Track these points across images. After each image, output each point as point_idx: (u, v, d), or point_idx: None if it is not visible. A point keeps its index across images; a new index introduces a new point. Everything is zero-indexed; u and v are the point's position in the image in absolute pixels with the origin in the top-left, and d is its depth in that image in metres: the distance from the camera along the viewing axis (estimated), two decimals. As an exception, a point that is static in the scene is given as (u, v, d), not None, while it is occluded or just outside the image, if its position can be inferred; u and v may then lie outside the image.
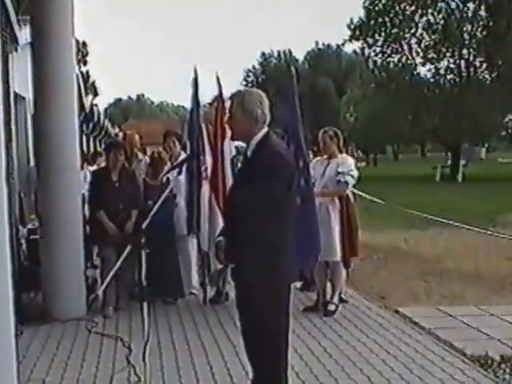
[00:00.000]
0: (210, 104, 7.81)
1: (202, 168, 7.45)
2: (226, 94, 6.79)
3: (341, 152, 7.46)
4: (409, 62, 44.51)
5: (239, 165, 7.30)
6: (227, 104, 4.29)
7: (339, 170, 7.21)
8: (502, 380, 5.24)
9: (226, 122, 4.42)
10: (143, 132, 16.56)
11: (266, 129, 4.14)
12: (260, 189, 3.96)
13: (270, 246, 3.99)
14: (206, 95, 7.70)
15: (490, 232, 13.63)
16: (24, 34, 10.48)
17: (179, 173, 7.21)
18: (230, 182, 7.16)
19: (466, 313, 7.24)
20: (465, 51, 43.36)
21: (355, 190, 8.18)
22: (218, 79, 7.49)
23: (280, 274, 4.06)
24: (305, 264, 6.46)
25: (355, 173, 7.32)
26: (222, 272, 7.53)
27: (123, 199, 7.44)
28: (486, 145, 71.08)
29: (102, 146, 24.13)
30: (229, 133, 7.24)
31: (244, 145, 4.33)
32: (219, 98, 7.43)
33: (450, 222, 13.67)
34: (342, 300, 7.55)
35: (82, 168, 9.84)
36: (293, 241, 4.18)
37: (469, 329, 6.70)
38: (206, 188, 7.51)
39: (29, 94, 8.91)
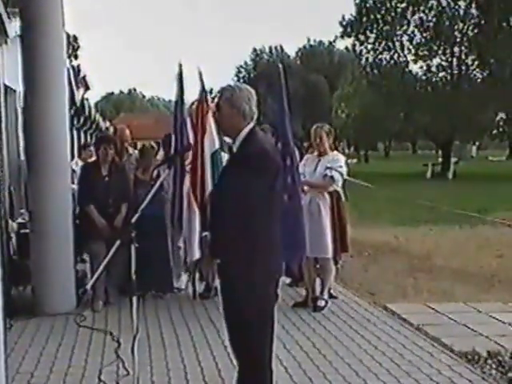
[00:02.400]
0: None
1: (186, 162, 7.45)
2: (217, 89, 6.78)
3: (332, 150, 7.49)
4: (400, 59, 44.60)
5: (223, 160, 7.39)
6: (215, 99, 4.27)
7: (328, 165, 7.24)
8: (488, 375, 5.28)
9: (214, 116, 4.42)
10: (134, 126, 16.53)
11: (251, 124, 4.13)
12: (245, 184, 3.96)
13: (255, 242, 3.99)
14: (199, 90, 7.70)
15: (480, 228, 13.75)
16: (14, 27, 10.42)
17: (169, 167, 7.21)
18: (208, 177, 7.18)
19: (455, 309, 7.28)
20: (456, 49, 43.48)
21: (349, 178, 8.20)
22: (200, 75, 7.51)
23: (265, 269, 4.07)
24: (290, 259, 6.50)
25: (344, 170, 7.34)
26: (200, 264, 7.52)
27: (113, 193, 7.44)
28: (477, 143, 71.33)
29: (93, 139, 24.06)
30: (208, 128, 7.35)
31: (229, 140, 4.33)
32: (201, 93, 7.45)
33: (444, 216, 13.77)
34: (331, 296, 7.58)
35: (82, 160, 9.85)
36: (279, 236, 4.19)
37: (457, 325, 6.74)
38: (187, 182, 7.54)
39: (19, 87, 8.86)
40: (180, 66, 7.53)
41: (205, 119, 7.27)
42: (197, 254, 7.15)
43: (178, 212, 7.46)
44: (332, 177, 7.22)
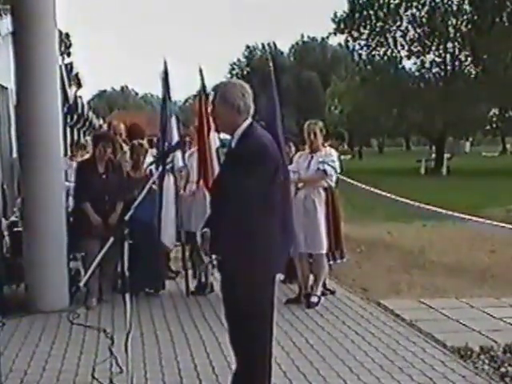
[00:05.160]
0: (195, 96, 7.84)
1: (168, 159, 7.46)
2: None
3: (324, 146, 7.52)
4: (394, 55, 44.67)
5: (222, 157, 7.39)
6: (210, 96, 4.26)
7: (320, 159, 7.26)
8: (480, 370, 5.29)
9: (210, 114, 4.40)
10: (128, 123, 16.46)
11: (249, 120, 4.11)
12: (245, 180, 3.94)
13: (255, 237, 3.98)
14: (194, 88, 7.77)
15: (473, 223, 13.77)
16: (5, 24, 10.38)
17: (157, 166, 7.22)
18: (216, 173, 7.20)
19: (448, 305, 7.30)
20: (450, 45, 43.57)
21: (341, 177, 8.24)
22: (201, 72, 7.52)
23: (266, 264, 4.06)
24: None
25: (336, 164, 7.36)
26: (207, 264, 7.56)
27: (109, 191, 7.41)
28: (471, 138, 71.49)
29: (86, 137, 23.97)
30: (213, 125, 7.36)
31: (228, 137, 4.32)
32: (202, 90, 7.46)
33: (437, 212, 13.77)
34: (329, 290, 7.63)
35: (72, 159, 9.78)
36: (279, 231, 4.18)
37: (450, 321, 6.75)
38: (169, 181, 7.55)
39: (11, 85, 8.83)
40: (165, 63, 7.53)
41: (207, 116, 7.29)
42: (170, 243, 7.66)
43: (157, 211, 7.51)
44: (324, 170, 7.24)
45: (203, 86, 7.52)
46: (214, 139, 7.48)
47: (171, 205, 7.65)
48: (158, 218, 7.53)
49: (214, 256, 4.19)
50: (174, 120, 7.59)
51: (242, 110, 4.08)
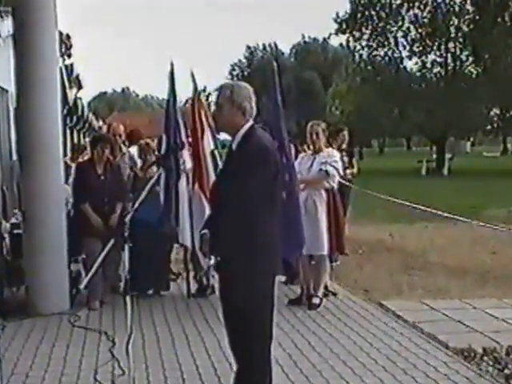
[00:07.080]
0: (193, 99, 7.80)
1: (180, 161, 7.43)
2: (212, 87, 6.80)
3: (327, 147, 7.51)
4: (395, 55, 44.67)
5: (219, 158, 7.39)
6: (210, 98, 4.26)
7: (323, 160, 7.25)
8: (484, 372, 5.27)
9: (212, 114, 4.39)
10: (128, 125, 16.45)
11: (251, 122, 4.13)
12: (245, 181, 3.95)
13: (255, 238, 3.97)
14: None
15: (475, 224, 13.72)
16: (6, 26, 10.37)
17: (158, 167, 7.19)
18: (211, 175, 7.18)
19: (450, 306, 7.28)
20: (451, 45, 43.56)
21: (342, 181, 8.23)
22: (192, 75, 7.52)
23: (265, 265, 4.06)
24: (289, 255, 6.58)
25: (339, 165, 7.36)
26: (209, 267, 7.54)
27: (108, 192, 7.41)
28: (472, 139, 71.46)
29: (86, 139, 23.97)
30: (206, 127, 7.37)
31: (228, 137, 4.31)
32: (194, 93, 7.47)
33: (438, 214, 13.71)
34: (330, 291, 7.60)
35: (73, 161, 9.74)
36: (278, 232, 4.18)
37: (452, 322, 6.73)
38: (183, 181, 7.52)
39: (11, 87, 8.82)
40: (171, 64, 7.52)
41: (201, 119, 7.28)
42: (188, 242, 7.37)
43: (174, 211, 7.45)
44: (326, 171, 7.23)
45: (195, 90, 7.54)
46: (208, 142, 7.46)
47: (186, 205, 7.59)
48: (176, 219, 7.48)
49: (213, 257, 4.17)
50: (181, 120, 7.57)
51: (247, 112, 4.10)
